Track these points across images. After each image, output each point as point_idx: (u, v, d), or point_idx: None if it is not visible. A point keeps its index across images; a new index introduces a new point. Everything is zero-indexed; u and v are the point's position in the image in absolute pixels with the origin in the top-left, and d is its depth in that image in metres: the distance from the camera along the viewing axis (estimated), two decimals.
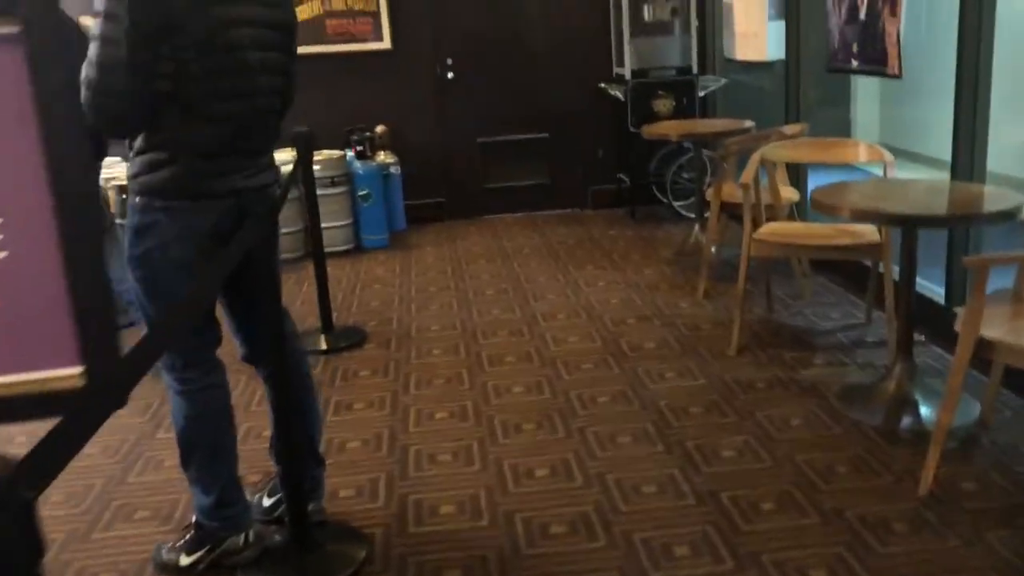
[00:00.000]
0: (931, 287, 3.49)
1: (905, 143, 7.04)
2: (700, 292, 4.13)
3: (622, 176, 6.00)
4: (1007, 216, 2.60)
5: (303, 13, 5.59)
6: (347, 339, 3.73)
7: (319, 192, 4.89)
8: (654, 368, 3.31)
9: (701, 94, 5.72)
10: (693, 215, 5.10)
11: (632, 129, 5.48)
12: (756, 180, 3.51)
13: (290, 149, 4.14)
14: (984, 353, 2.33)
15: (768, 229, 3.50)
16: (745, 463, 2.58)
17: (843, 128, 7.47)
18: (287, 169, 3.32)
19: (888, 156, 3.48)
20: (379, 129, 5.65)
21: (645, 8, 5.75)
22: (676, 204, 5.73)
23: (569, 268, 4.75)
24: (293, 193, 4.75)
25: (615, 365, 3.36)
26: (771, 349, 3.44)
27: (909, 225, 2.80)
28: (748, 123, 4.75)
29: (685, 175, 5.64)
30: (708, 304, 4.02)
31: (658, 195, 5.82)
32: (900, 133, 7.23)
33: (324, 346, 3.66)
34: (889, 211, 2.75)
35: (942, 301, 3.38)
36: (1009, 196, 2.76)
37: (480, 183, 6.06)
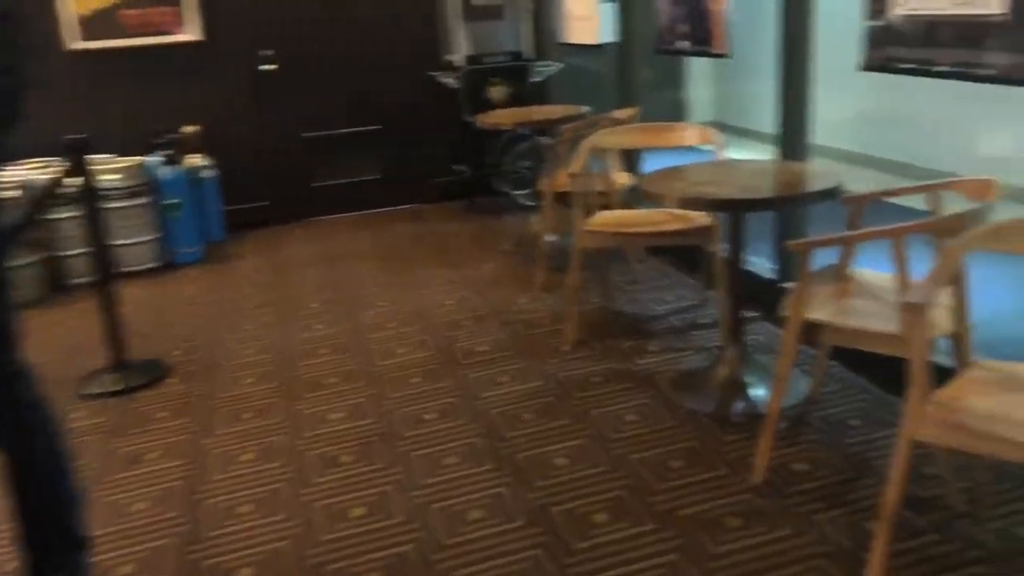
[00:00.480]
0: (764, 263, 3.53)
1: (739, 120, 7.31)
2: (539, 285, 4.03)
3: (460, 167, 5.84)
4: (829, 195, 2.62)
5: (91, 2, 5.09)
6: (144, 375, 3.36)
7: (114, 205, 4.51)
8: (487, 374, 3.17)
9: (537, 80, 5.65)
10: (534, 204, 5.02)
11: (467, 118, 5.34)
12: (587, 168, 3.44)
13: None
14: (812, 335, 2.33)
15: (600, 219, 3.43)
16: (579, 470, 2.47)
17: (678, 109, 7.64)
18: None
19: (717, 138, 3.49)
20: (188, 130, 5.23)
21: None
22: (516, 193, 5.63)
23: (403, 269, 4.55)
24: (79, 210, 4.29)
25: (446, 375, 3.19)
26: (608, 340, 3.39)
27: (734, 210, 2.79)
28: (584, 108, 4.69)
29: (525, 163, 5.55)
30: (548, 297, 3.93)
31: (498, 185, 5.71)
32: (734, 111, 7.49)
33: (115, 387, 3.28)
34: (714, 197, 2.73)
35: (774, 277, 3.42)
36: (831, 174, 2.78)
37: (307, 182, 5.75)
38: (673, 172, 2.98)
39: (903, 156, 5.77)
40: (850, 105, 5.90)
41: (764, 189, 2.87)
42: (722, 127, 7.71)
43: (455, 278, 4.34)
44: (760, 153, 5.62)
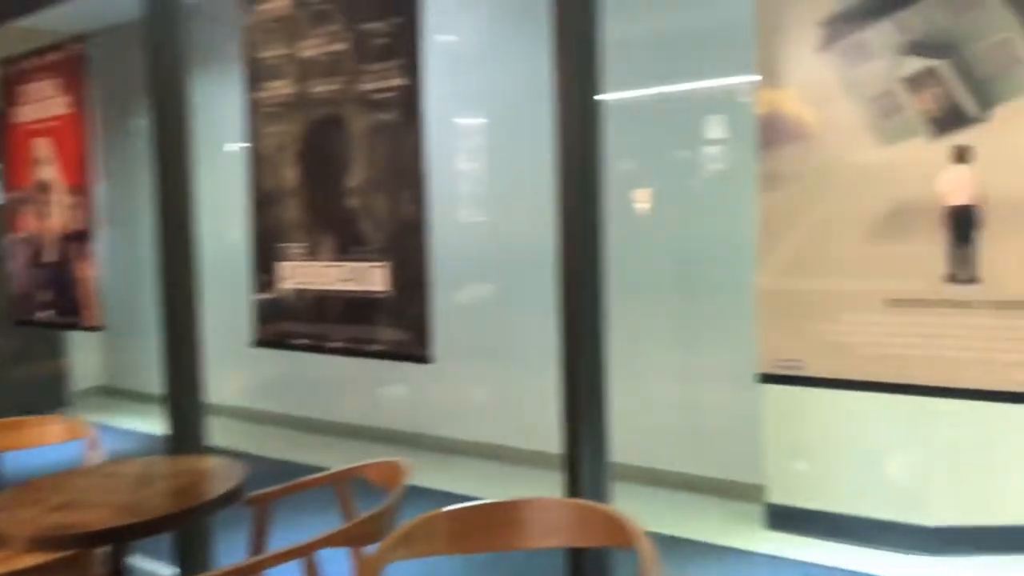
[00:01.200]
0: (162, 569, 3.03)
1: (133, 383, 7.07)
2: None
3: None
4: (230, 499, 2.30)
5: None
6: None
7: None
8: None
9: None
10: None
11: None
12: None
13: None
14: None
15: None
16: None
17: (59, 377, 6.99)
18: None
19: (91, 433, 2.94)
20: None
21: None
22: None
23: None
24: None
25: None
26: None
27: (114, 542, 2.26)
28: None
29: None
30: None
31: None
32: (126, 373, 7.27)
33: None
34: (83, 528, 2.15)
35: None
36: (232, 472, 2.45)
37: None
38: (24, 492, 2.35)
39: (313, 412, 5.88)
40: (258, 367, 5.91)
41: (152, 504, 2.40)
42: (114, 391, 7.17)
43: None
44: (156, 417, 5.16)
